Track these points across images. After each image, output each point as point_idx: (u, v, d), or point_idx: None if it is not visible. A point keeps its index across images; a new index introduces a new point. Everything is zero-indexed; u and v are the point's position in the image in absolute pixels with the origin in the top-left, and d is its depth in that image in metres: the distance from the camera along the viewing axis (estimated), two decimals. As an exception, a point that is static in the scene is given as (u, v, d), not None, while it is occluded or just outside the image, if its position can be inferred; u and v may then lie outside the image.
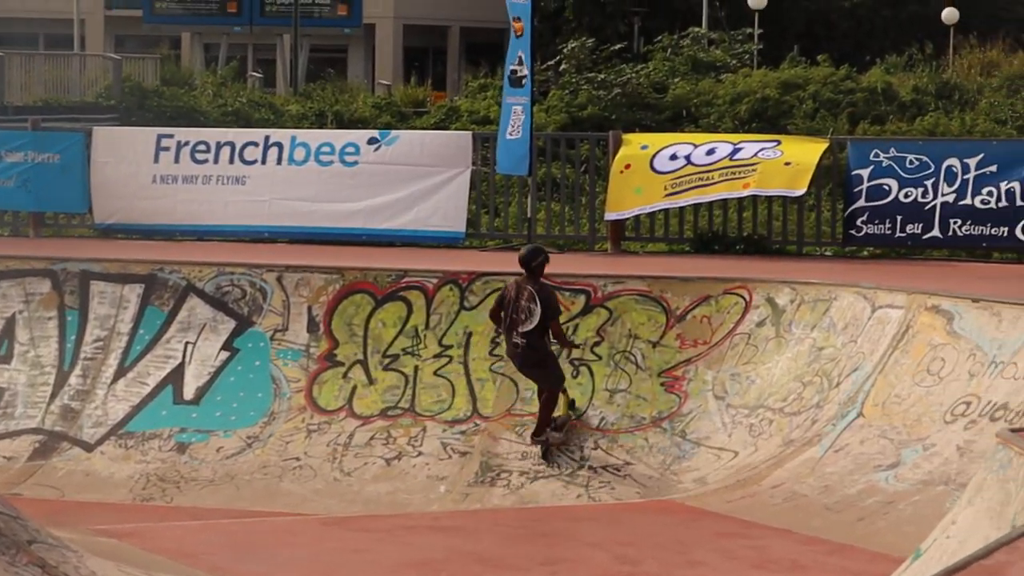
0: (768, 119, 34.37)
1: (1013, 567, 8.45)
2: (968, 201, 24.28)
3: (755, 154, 25.41)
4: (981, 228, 24.34)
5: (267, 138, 27.29)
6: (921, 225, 24.59)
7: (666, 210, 26.64)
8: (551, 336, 20.57)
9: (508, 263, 23.22)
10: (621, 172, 25.74)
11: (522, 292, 20.28)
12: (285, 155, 26.67)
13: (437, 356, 21.83)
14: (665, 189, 25.50)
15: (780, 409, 20.21)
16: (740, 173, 25.59)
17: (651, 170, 25.69)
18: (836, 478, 18.64)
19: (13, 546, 13.22)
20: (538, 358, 20.51)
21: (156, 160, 26.80)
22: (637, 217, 26.64)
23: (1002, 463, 11.43)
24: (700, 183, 25.55)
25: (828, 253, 26.15)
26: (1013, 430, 12.60)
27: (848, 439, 19.11)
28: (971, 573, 8.36)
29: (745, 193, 25.63)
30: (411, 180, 26.25)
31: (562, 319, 21.43)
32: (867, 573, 13.81)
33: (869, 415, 19.29)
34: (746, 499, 18.84)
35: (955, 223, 24.41)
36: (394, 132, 28.25)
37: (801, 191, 25.17)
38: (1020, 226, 23.78)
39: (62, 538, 13.99)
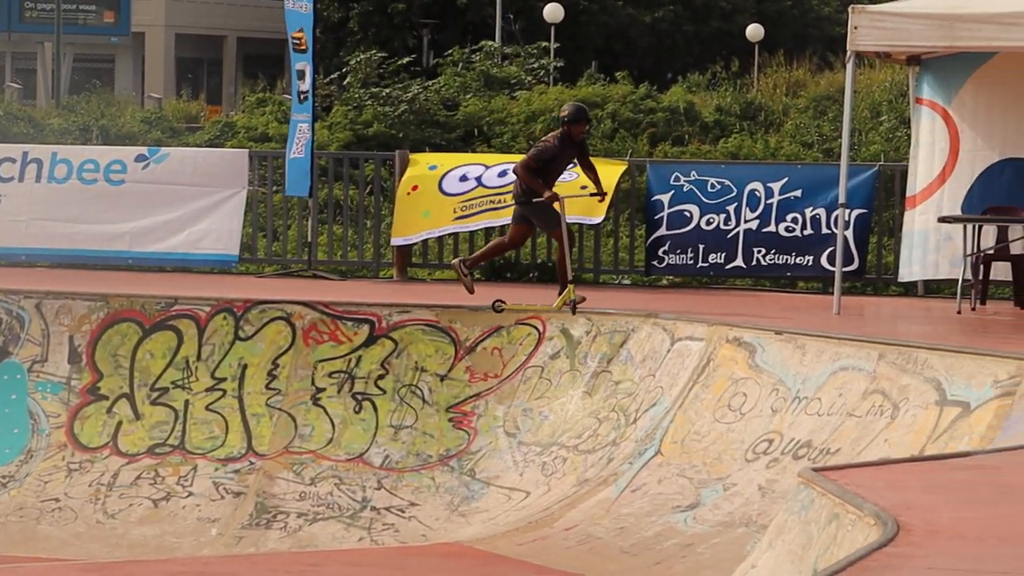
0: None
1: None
2: (772, 228, 24.56)
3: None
4: (785, 257, 24.63)
5: (25, 154, 27.03)
6: (724, 254, 24.85)
7: (456, 235, 26.70)
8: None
9: (287, 290, 23.26)
10: (408, 194, 25.81)
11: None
12: (45, 172, 26.46)
13: (209, 390, 21.74)
14: (454, 212, 25.60)
15: (574, 447, 20.35)
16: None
17: (440, 192, 25.78)
18: (632, 519, 18.79)
19: None
20: None
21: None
22: (425, 242, 26.71)
23: (804, 504, 11.62)
24: (492, 206, 25.64)
25: (627, 282, 26.38)
26: (816, 469, 12.81)
27: (645, 478, 19.28)
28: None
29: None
30: (182, 200, 26.14)
31: (343, 351, 21.53)
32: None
33: (667, 453, 19.46)
34: (538, 542, 18.94)
35: (759, 251, 24.69)
36: (164, 149, 28.15)
37: (599, 219, 25.35)
38: (826, 254, 24.07)
39: None
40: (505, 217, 25.46)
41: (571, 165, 23.18)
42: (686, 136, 36.41)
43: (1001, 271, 23.12)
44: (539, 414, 20.92)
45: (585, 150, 23.25)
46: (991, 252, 22.96)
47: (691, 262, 25.13)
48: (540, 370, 21.32)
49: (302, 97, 26.71)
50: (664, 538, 18.31)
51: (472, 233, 26.78)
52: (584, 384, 20.99)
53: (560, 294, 21.92)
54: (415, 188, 25.81)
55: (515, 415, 21.03)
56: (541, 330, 21.59)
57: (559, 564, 18.28)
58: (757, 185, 24.86)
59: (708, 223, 24.86)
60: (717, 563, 15.66)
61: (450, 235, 26.69)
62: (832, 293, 22.61)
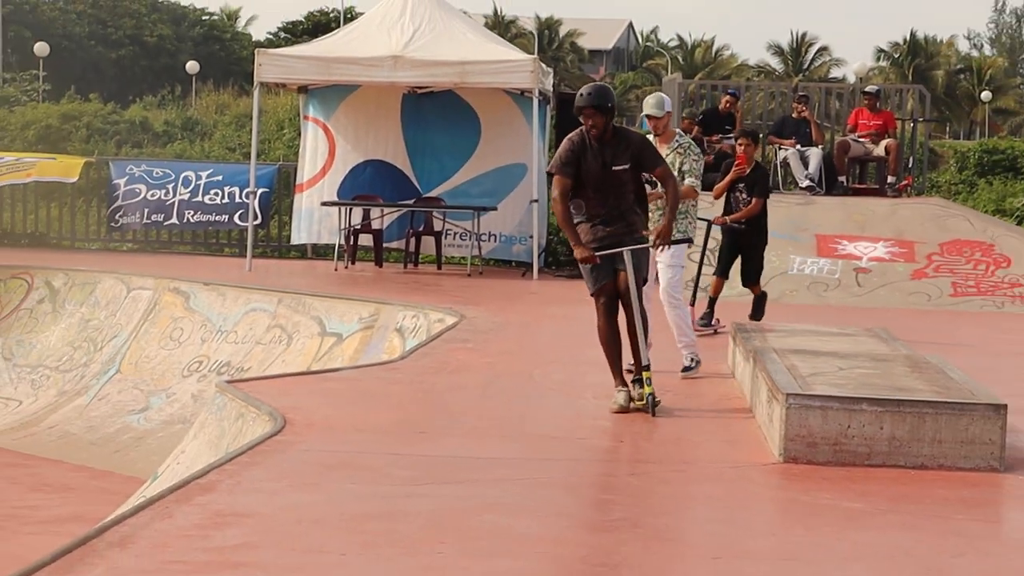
0: (52, 142, 33.81)
1: (222, 483, 8.65)
2: (199, 199, 24.47)
3: (33, 160, 25.43)
4: (208, 216, 24.55)
5: None
6: (163, 215, 24.63)
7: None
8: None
9: None
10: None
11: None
12: None
13: None
14: None
15: (56, 367, 20.06)
16: (24, 166, 25.37)
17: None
18: (99, 420, 18.62)
19: None
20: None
21: None
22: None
23: (219, 406, 11.67)
24: None
25: (95, 247, 25.98)
26: (228, 381, 12.86)
27: (109, 390, 19.12)
28: (190, 490, 8.53)
29: (28, 180, 25.17)
30: None
31: None
32: (122, 492, 13.82)
33: (125, 371, 19.33)
34: (28, 437, 18.63)
35: (189, 213, 24.53)
36: None
37: (74, 178, 24.97)
38: (238, 215, 24.12)
39: None
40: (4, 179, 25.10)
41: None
42: (144, 141, 35.95)
43: (365, 240, 23.44)
44: (29, 344, 20.55)
45: (645, 153, 11.24)
46: (358, 227, 23.26)
47: (138, 220, 24.80)
48: (30, 312, 20.95)
49: None
50: (122, 433, 18.19)
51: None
52: (64, 322, 20.69)
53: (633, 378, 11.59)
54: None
55: (11, 345, 20.63)
56: (30, 282, 21.19)
57: (44, 453, 18.02)
58: (191, 173, 24.77)
59: (152, 196, 24.59)
60: (161, 450, 15.59)
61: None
62: (246, 256, 22.67)
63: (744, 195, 16.01)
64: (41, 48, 59.92)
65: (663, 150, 12.92)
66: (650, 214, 13.09)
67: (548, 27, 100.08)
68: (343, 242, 23.18)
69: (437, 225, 23.38)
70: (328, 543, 7.52)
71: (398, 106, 23.97)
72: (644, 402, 11.27)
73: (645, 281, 11.62)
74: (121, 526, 7.71)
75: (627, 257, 11.15)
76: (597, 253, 11.02)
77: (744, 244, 16.28)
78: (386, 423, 10.84)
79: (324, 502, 8.39)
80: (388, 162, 24.01)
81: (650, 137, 13.03)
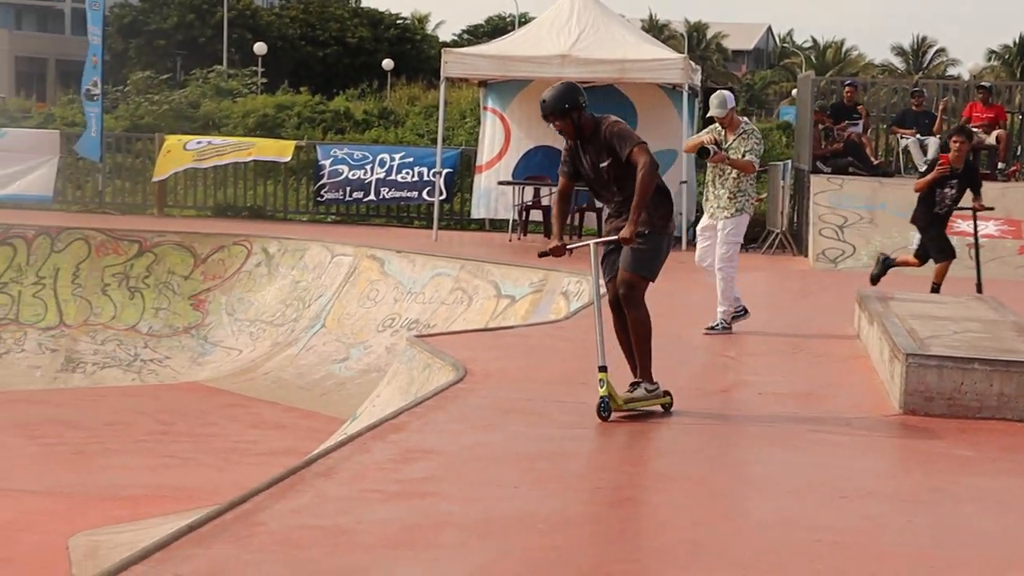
0: (268, 128, 34.16)
1: (411, 424, 8.70)
2: (393, 177, 24.56)
3: (253, 142, 25.83)
4: (400, 192, 24.64)
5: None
6: (362, 192, 24.78)
7: (195, 185, 26.38)
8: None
9: (85, 221, 22.82)
10: (165, 154, 25.37)
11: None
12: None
13: (35, 283, 21.25)
14: (193, 158, 25.31)
15: (271, 322, 20.28)
16: (245, 146, 25.74)
17: (184, 149, 25.43)
18: (307, 368, 18.80)
19: None
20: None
21: None
22: (176, 187, 26.33)
23: (409, 357, 11.74)
24: (217, 154, 25.47)
25: (304, 219, 26.24)
26: (418, 336, 12.94)
27: (315, 342, 19.29)
28: (384, 429, 8.60)
29: (249, 159, 25.54)
30: (16, 162, 25.41)
31: (121, 260, 21.20)
32: (326, 430, 13.98)
33: (329, 326, 19.49)
34: (247, 381, 18.88)
35: (385, 190, 24.65)
36: (4, 129, 27.21)
37: (287, 158, 25.21)
38: (425, 191, 24.18)
39: None
40: (227, 159, 25.41)
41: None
42: (346, 128, 36.18)
43: (535, 215, 23.44)
44: (248, 301, 20.79)
45: (615, 141, 9.26)
46: (530, 203, 23.26)
47: (340, 197, 25.01)
48: (249, 273, 21.19)
49: (95, 96, 26.13)
50: (326, 379, 18.35)
51: (206, 184, 26.40)
52: (277, 283, 20.91)
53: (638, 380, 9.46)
54: (168, 152, 25.38)
55: (233, 302, 20.88)
56: (249, 248, 21.43)
57: (260, 396, 18.25)
58: (385, 156, 24.88)
59: (352, 175, 24.75)
60: (359, 394, 15.71)
61: (191, 182, 26.36)
62: (432, 228, 22.79)
63: (953, 191, 15.00)
64: (259, 48, 60.80)
65: (730, 137, 13.07)
66: (714, 184, 13.32)
67: (696, 30, 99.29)
68: (516, 216, 23.20)
69: (598, 202, 23.30)
70: (503, 477, 7.54)
71: (565, 98, 23.91)
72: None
73: (643, 278, 9.20)
74: (326, 459, 7.79)
75: (592, 250, 9.10)
76: (569, 246, 8.98)
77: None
78: (552, 374, 10.84)
79: (499, 442, 8.41)
80: (556, 147, 23.96)
81: (717, 127, 13.22)
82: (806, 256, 21.41)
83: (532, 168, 23.70)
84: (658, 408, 9.34)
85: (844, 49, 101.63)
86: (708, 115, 13.28)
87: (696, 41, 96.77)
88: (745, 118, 13.65)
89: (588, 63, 21.49)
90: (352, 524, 6.51)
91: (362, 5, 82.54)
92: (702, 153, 13.04)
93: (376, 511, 6.76)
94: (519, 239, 22.91)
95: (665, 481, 7.79)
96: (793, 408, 9.97)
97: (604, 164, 9.12)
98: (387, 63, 63.84)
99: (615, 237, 9.04)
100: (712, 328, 13.29)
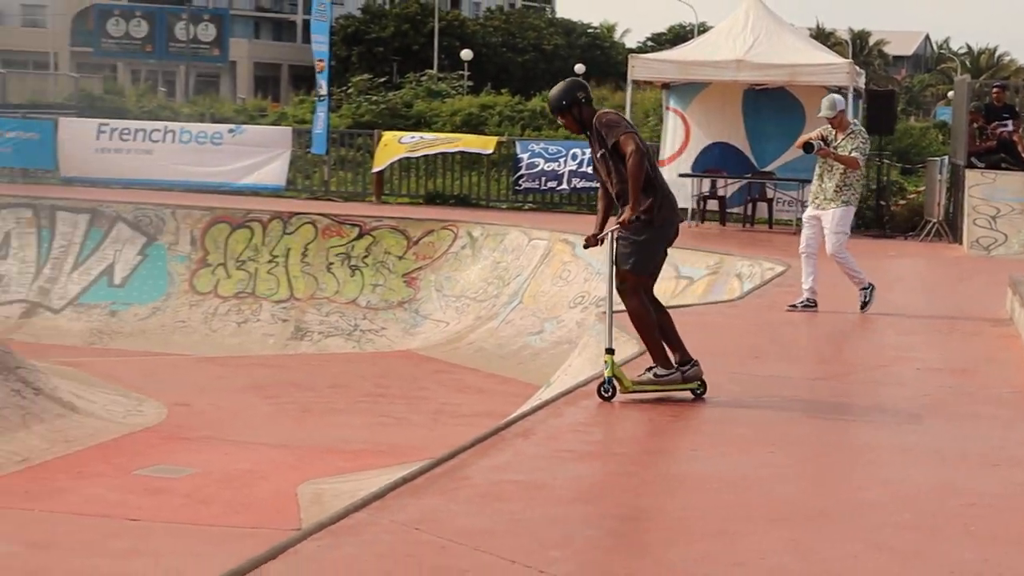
0: (472, 126, 34.35)
1: (588, 386, 8.70)
2: (586, 169, 24.51)
3: (459, 136, 26.02)
4: (590, 183, 24.59)
5: (166, 127, 26.80)
6: (556, 182, 24.78)
7: (408, 175, 26.66)
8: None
9: (313, 207, 23.22)
10: (383, 148, 25.66)
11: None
12: (178, 138, 26.18)
13: (269, 262, 21.66)
14: (406, 150, 25.56)
15: (474, 298, 20.40)
16: (452, 141, 25.97)
17: (398, 143, 25.68)
18: (506, 339, 18.88)
19: (6, 369, 13.07)
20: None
21: (97, 139, 26.21)
22: (391, 177, 26.62)
23: (598, 331, 11.72)
24: (427, 146, 25.74)
25: (504, 206, 26.34)
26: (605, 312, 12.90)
27: (513, 316, 19.36)
28: (576, 395, 8.61)
29: (455, 150, 25.75)
30: (254, 155, 25.93)
31: (344, 241, 21.59)
32: (522, 394, 14.04)
33: (526, 302, 19.54)
34: (453, 350, 19.02)
35: (576, 180, 24.64)
36: (244, 126, 27.77)
37: (489, 151, 25.39)
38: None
39: (37, 365, 13.83)
40: (437, 150, 25.68)
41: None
42: (542, 125, 36.21)
43: (712, 205, 23.23)
44: (454, 279, 20.94)
45: (603, 131, 8.45)
46: (707, 194, 23.08)
47: (536, 187, 25.04)
48: (455, 255, 21.35)
49: (322, 97, 26.63)
50: (523, 349, 18.41)
51: (417, 174, 26.67)
52: (480, 263, 21.04)
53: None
54: (385, 146, 25.67)
55: (441, 280, 21.04)
56: (456, 233, 21.57)
57: (464, 363, 18.38)
58: (577, 150, 24.85)
59: (547, 167, 24.80)
60: (552, 364, 15.73)
61: (405, 173, 26.63)
62: (619, 215, 22.71)
63: None
64: (466, 54, 61.26)
65: (839, 136, 12.83)
66: (821, 178, 13.01)
67: (859, 37, 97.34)
68: (694, 205, 23.03)
69: (769, 193, 23.03)
70: (680, 441, 7.51)
71: (740, 99, 23.61)
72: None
73: (629, 272, 8.62)
74: (524, 421, 7.84)
75: (609, 239, 8.54)
76: (598, 236, 8.62)
77: None
78: (726, 348, 10.75)
79: (676, 409, 8.36)
80: (731, 143, 23.70)
81: (828, 126, 12.93)
82: (961, 244, 20.91)
83: (709, 162, 23.49)
84: (687, 393, 8.53)
85: (997, 55, 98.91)
86: (820, 115, 13.09)
87: (859, 47, 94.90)
88: (855, 119, 13.47)
89: (761, 67, 21.23)
90: (548, 480, 6.54)
91: (557, 16, 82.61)
92: (807, 148, 12.93)
93: (569, 468, 6.78)
94: (697, 226, 22.73)
95: (830, 448, 7.69)
96: (948, 382, 9.76)
97: (599, 155, 8.52)
98: (579, 67, 63.75)
99: (616, 225, 8.41)
100: (793, 306, 13.00)
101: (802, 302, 13.05)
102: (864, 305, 13.03)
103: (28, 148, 26.45)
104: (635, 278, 8.59)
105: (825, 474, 7.11)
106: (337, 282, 21.31)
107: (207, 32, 66.37)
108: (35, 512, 10.07)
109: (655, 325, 8.64)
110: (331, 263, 21.53)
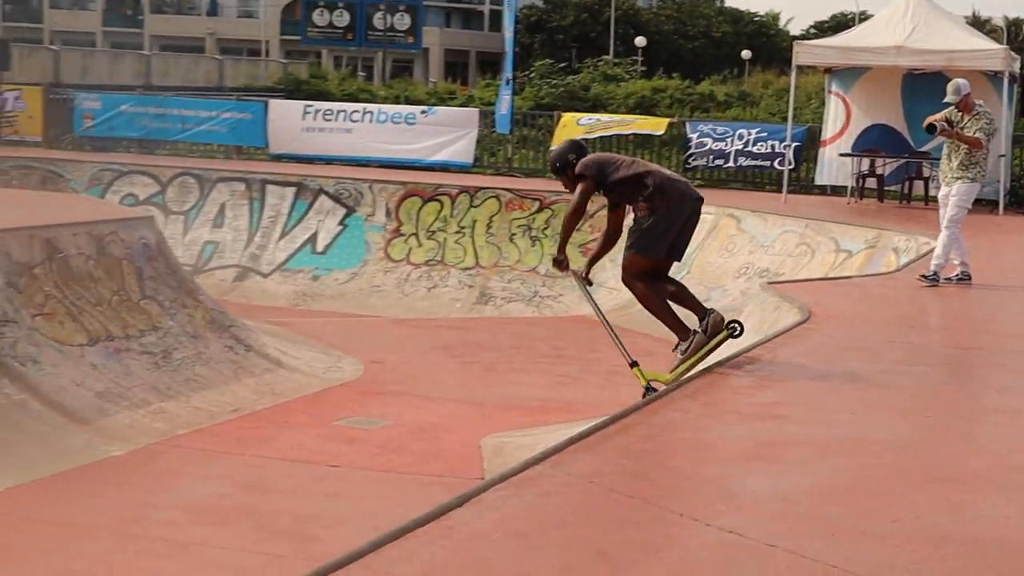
0: (645, 108, 34.10)
1: (763, 357, 8.57)
2: (752, 148, 24.18)
3: (633, 119, 25.85)
4: (755, 162, 24.26)
5: (364, 108, 27.14)
6: (723, 160, 24.49)
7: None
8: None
9: (510, 183, 23.32)
10: (562, 128, 25.62)
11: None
12: (375, 118, 26.49)
13: (456, 232, 21.81)
14: (584, 131, 25.45)
15: (644, 268, 20.28)
16: (627, 122, 25.82)
17: (577, 124, 25.59)
18: (675, 307, 18.73)
19: (220, 327, 13.40)
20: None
21: (303, 119, 26.66)
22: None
23: (761, 300, 11.57)
24: (603, 128, 25.63)
25: (674, 183, 26.08)
26: (769, 282, 12.73)
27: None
28: (740, 361, 8.50)
29: (629, 132, 25.62)
30: (444, 134, 26.12)
31: (525, 214, 21.54)
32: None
33: (694, 272, 19.33)
34: (624, 316, 18.86)
35: (742, 159, 24.31)
36: (436, 108, 28.00)
37: (661, 132, 25.17)
38: (776, 161, 23.70)
39: (248, 324, 14.15)
40: (613, 131, 25.55)
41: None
42: (710, 107, 35.80)
43: (870, 183, 22.72)
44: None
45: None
46: (866, 172, 22.57)
47: (704, 164, 24.77)
48: (627, 227, 21.21)
49: (507, 81, 26.72)
50: (690, 316, 18.24)
51: (592, 140, 26.53)
52: (650, 236, 20.88)
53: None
54: (564, 126, 25.61)
55: (613, 251, 20.94)
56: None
57: (634, 328, 18.21)
58: (743, 130, 24.50)
59: (715, 146, 24.53)
60: (716, 330, 15.53)
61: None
62: (782, 192, 22.35)
63: None
64: (640, 41, 60.91)
65: (965, 118, 12.58)
66: (948, 157, 12.60)
67: (1014, 24, 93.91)
68: (854, 183, 22.53)
69: (925, 172, 22.41)
70: (841, 405, 7.34)
71: (898, 83, 22.98)
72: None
73: (633, 253, 9.00)
74: (691, 383, 7.76)
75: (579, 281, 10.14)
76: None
77: None
78: (884, 318, 10.50)
79: (838, 374, 8.19)
80: (890, 125, 23.09)
81: (954, 108, 12.66)
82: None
83: (869, 142, 22.94)
84: (716, 344, 8.53)
85: None
86: (945, 99, 12.74)
87: (1014, 34, 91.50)
88: (980, 101, 13.05)
89: (919, 53, 20.64)
90: (713, 439, 6.45)
91: (726, 5, 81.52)
92: (930, 129, 12.70)
93: (733, 429, 6.69)
94: (856, 203, 22.24)
95: (981, 414, 7.45)
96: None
97: (599, 193, 9.46)
98: (746, 53, 62.88)
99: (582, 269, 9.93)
100: (924, 277, 12.49)
101: (957, 275, 12.68)
102: (932, 277, 12.34)
103: (242, 128, 27.06)
104: (637, 259, 8.91)
105: (978, 438, 6.89)
106: (519, 251, 21.37)
107: (403, 21, 66.86)
108: (246, 457, 10.31)
109: (663, 302, 8.89)
110: (513, 234, 21.59)
